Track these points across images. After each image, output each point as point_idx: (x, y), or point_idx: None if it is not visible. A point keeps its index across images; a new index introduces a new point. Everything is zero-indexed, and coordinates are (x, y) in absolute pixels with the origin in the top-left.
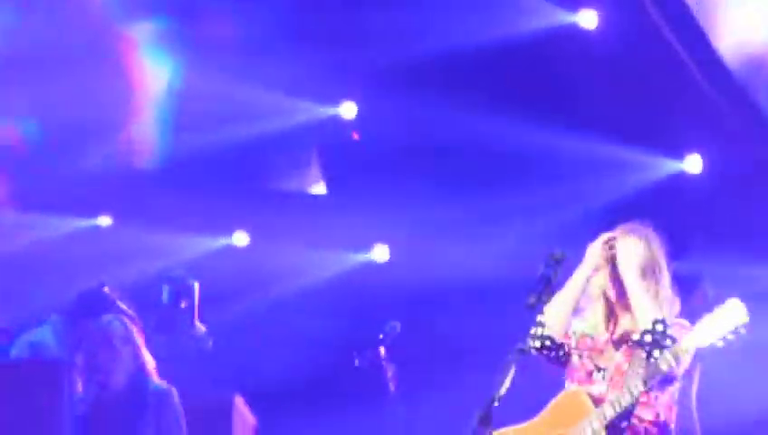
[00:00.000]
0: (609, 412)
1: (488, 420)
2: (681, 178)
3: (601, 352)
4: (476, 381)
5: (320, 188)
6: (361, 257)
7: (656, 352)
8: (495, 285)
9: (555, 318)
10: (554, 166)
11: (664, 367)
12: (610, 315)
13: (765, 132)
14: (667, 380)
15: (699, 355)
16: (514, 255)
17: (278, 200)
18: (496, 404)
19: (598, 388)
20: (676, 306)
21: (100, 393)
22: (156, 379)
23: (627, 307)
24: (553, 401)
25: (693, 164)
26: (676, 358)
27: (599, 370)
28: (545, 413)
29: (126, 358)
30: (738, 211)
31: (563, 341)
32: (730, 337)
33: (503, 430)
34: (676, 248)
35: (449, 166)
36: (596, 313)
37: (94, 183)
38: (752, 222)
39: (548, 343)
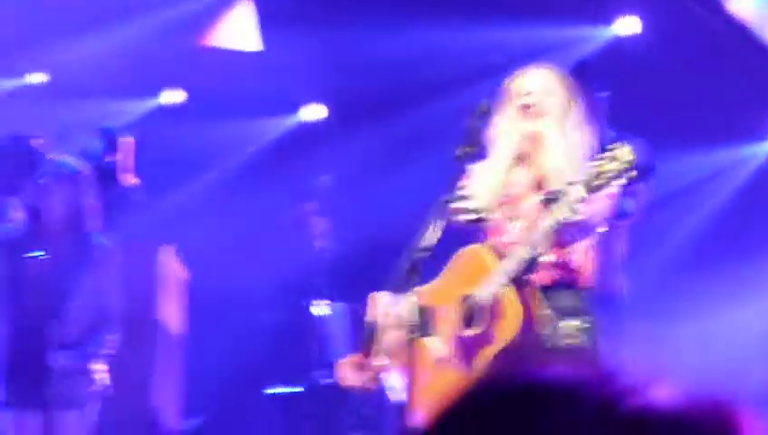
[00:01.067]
0: (512, 266)
1: (414, 273)
2: (618, 44)
3: (516, 202)
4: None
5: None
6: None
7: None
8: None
9: (484, 190)
10: (480, 63)
11: (560, 217)
12: (523, 161)
13: None
14: (581, 230)
15: (627, 213)
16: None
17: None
18: (423, 256)
19: (508, 238)
20: (591, 141)
21: (36, 226)
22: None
23: (537, 149)
24: (455, 259)
25: (627, 26)
26: (571, 208)
27: (512, 220)
28: (450, 272)
29: (58, 195)
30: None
31: (489, 215)
32: (620, 181)
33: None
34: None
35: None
36: (508, 166)
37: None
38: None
39: (473, 216)
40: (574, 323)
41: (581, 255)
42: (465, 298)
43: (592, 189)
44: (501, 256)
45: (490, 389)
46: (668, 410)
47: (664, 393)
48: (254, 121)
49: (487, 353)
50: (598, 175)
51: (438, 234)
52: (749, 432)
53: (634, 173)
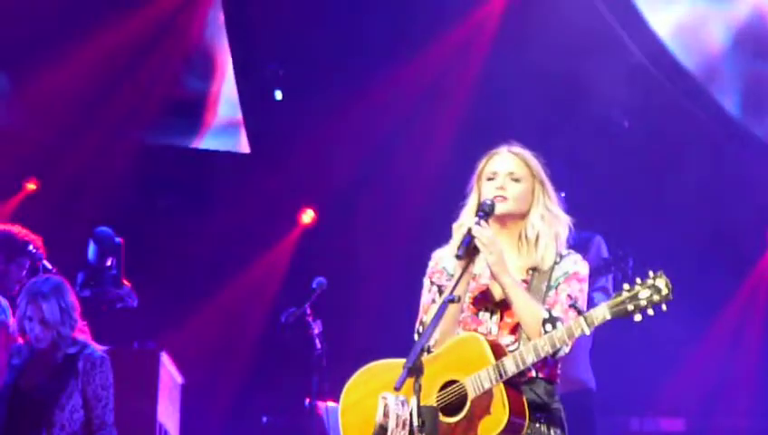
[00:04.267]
0: (512, 368)
1: (419, 371)
2: None
3: (486, 291)
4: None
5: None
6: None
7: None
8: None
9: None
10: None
11: (577, 333)
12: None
13: None
14: None
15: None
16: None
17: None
18: (427, 355)
19: (485, 328)
20: (567, 227)
21: (30, 348)
22: (92, 344)
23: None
24: (450, 343)
25: None
26: (591, 325)
27: (486, 310)
28: (441, 353)
29: (40, 312)
30: None
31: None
32: (650, 312)
33: (395, 360)
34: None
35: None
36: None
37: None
38: None
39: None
40: (545, 424)
41: None
42: (451, 383)
43: (619, 314)
44: (497, 350)
45: None
46: None
47: None
48: (248, 224)
49: None
50: (629, 301)
51: (439, 332)
52: None
53: (665, 308)
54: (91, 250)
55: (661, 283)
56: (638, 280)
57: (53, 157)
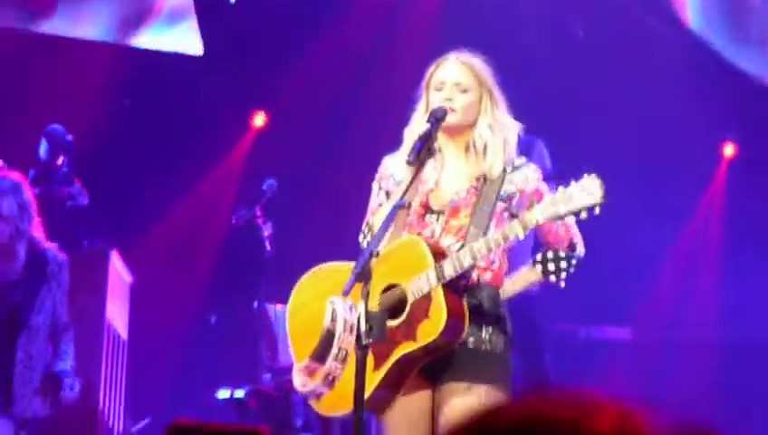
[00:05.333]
0: (450, 272)
1: (368, 276)
2: None
3: (432, 195)
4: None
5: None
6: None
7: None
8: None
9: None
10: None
11: (511, 236)
12: (434, 155)
13: None
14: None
15: None
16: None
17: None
18: (375, 260)
19: (429, 230)
20: (515, 133)
21: None
22: (47, 244)
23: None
24: (392, 246)
25: None
26: (525, 228)
27: (432, 213)
28: (384, 256)
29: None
30: None
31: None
32: (583, 215)
33: (343, 263)
34: None
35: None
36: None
37: None
38: None
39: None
40: (488, 330)
41: (500, 255)
42: (392, 287)
43: (552, 217)
44: (438, 253)
45: None
46: None
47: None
48: (201, 126)
49: (405, 349)
50: (562, 203)
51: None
52: None
53: (598, 211)
54: (43, 147)
55: (594, 186)
56: (573, 182)
57: (6, 57)
